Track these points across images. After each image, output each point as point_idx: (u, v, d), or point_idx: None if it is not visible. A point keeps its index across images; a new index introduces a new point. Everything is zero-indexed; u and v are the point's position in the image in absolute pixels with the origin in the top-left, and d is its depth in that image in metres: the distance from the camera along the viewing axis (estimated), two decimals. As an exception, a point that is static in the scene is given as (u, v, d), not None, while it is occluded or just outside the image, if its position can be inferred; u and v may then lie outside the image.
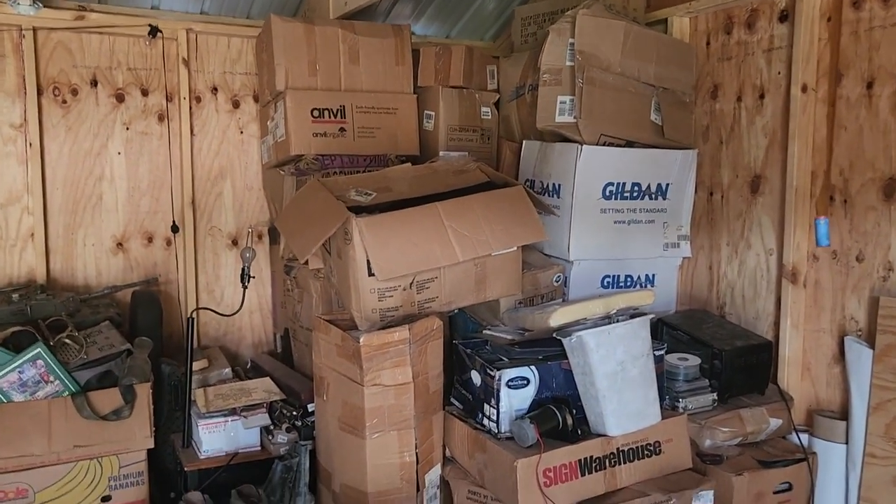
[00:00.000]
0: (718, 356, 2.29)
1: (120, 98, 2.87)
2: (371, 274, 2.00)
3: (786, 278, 2.39)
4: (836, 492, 2.21)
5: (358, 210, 2.03)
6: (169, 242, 2.98)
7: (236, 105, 3.05)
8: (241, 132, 3.07)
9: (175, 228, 2.92)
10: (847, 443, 2.21)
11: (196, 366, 2.54)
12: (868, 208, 2.19)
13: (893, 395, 2.05)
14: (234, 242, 3.10)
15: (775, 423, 2.28)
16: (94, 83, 2.82)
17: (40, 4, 2.61)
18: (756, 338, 2.43)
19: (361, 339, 1.91)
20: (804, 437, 2.29)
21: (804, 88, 2.32)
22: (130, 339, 2.40)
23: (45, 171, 2.75)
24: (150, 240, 2.95)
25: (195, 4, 2.92)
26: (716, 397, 2.27)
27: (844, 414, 2.25)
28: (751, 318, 2.55)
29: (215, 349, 2.94)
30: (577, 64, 2.42)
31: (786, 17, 2.41)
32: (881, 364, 2.08)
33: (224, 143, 3.05)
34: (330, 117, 2.58)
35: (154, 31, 2.83)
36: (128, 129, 2.88)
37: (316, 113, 2.56)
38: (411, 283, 2.07)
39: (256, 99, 3.06)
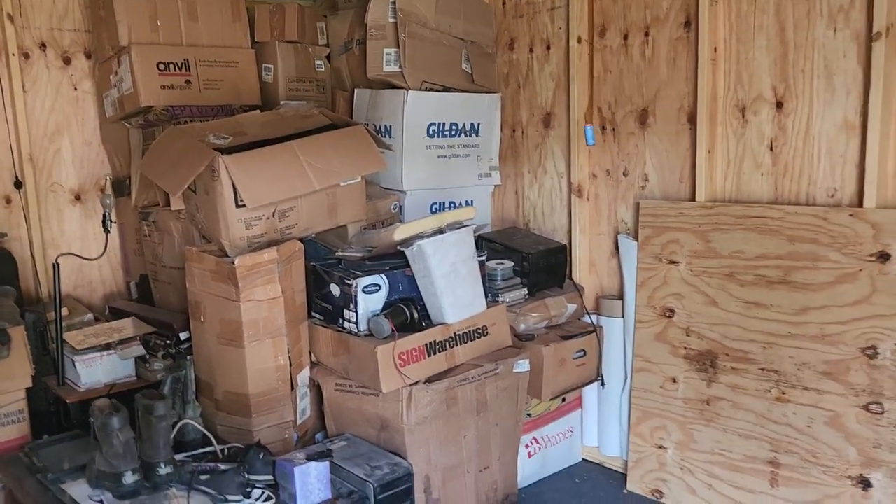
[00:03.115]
0: (527, 259, 2.84)
1: (-58, 55, 2.83)
2: (238, 205, 2.30)
3: (574, 194, 2.99)
4: (617, 353, 2.88)
5: (219, 151, 2.30)
6: (8, 200, 3.00)
7: (67, 62, 3.09)
8: (76, 88, 3.12)
9: (18, 184, 2.95)
10: (623, 316, 2.87)
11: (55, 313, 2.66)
12: (629, 134, 2.83)
13: (652, 273, 2.71)
14: (78, 198, 3.17)
15: (572, 307, 2.89)
16: (-87, 40, 2.76)
17: None
18: (554, 243, 3.02)
19: (237, 261, 2.20)
20: (594, 317, 2.93)
21: (579, 40, 2.89)
22: (-12, 292, 2.48)
23: None
24: (-11, 198, 2.96)
25: (12, -42, 2.92)
26: (526, 292, 2.82)
27: (621, 295, 2.90)
28: (549, 229, 3.15)
29: (71, 300, 3.04)
30: (398, 20, 2.81)
31: (563, -19, 2.97)
32: (643, 251, 2.73)
33: (58, 100, 3.08)
34: (175, 70, 2.77)
35: (-27, -14, 2.81)
36: (-47, 86, 2.86)
37: (162, 66, 2.74)
38: (273, 213, 2.39)
39: (89, 55, 3.12)
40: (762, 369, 2.42)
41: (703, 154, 2.54)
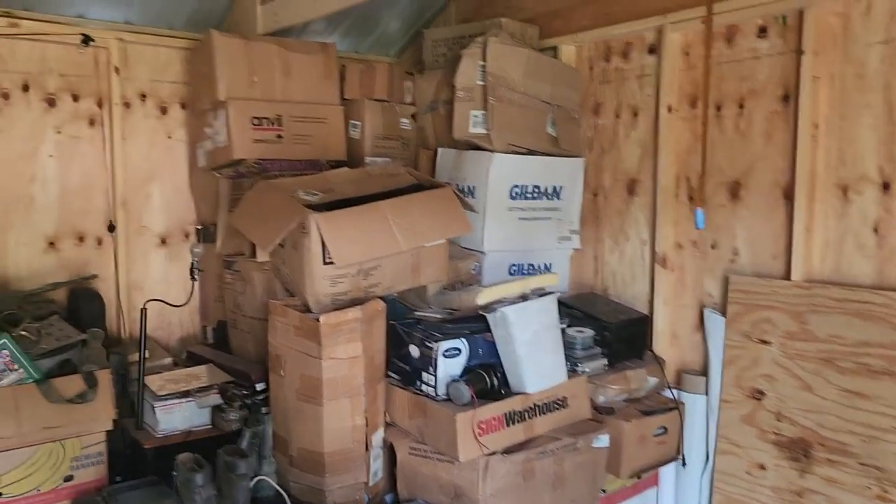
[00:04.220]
0: (607, 328, 2.77)
1: (51, 103, 2.97)
2: (325, 262, 2.31)
3: (657, 264, 2.92)
4: (699, 432, 2.76)
5: (310, 208, 2.33)
6: (100, 242, 3.10)
7: (164, 111, 3.22)
8: (170, 137, 3.24)
9: (112, 227, 3.05)
10: (707, 394, 2.76)
11: (138, 356, 2.71)
12: (719, 206, 2.76)
13: (740, 352, 2.61)
14: (163, 241, 3.26)
15: (652, 381, 2.79)
16: (26, 88, 2.91)
17: (-28, 11, 2.70)
18: (635, 313, 2.94)
19: (321, 319, 2.21)
20: (675, 392, 2.82)
21: (669, 109, 2.86)
22: (74, 333, 2.54)
23: (-24, 173, 2.83)
24: (81, 239, 3.06)
25: (120, 14, 3.06)
26: (606, 362, 2.75)
27: (705, 371, 2.80)
28: (630, 297, 3.08)
29: (150, 341, 3.08)
30: (488, 84, 2.84)
31: (654, 50, 2.95)
32: (731, 328, 2.63)
33: (153, 148, 3.21)
34: (268, 125, 2.85)
35: (87, 40, 2.96)
36: (59, 132, 2.99)
37: (256, 121, 2.82)
38: (358, 271, 2.40)
39: (184, 106, 3.25)
40: (862, 464, 2.27)
41: (800, 232, 2.45)
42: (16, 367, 2.28)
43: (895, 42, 2.27)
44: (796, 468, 2.43)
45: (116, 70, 3.05)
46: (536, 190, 3.03)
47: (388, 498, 2.54)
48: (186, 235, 3.31)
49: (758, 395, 2.54)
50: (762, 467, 2.52)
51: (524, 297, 2.44)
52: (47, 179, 2.98)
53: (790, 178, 2.51)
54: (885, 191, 2.30)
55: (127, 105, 3.13)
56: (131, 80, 3.13)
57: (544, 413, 2.42)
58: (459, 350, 2.37)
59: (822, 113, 2.44)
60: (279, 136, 2.87)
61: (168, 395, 2.53)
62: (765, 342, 2.52)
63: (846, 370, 2.31)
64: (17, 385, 2.27)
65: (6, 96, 2.87)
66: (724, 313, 2.67)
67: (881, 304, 2.24)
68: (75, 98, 3.01)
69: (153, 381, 2.59)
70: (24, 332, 2.40)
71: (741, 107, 2.67)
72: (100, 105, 3.06)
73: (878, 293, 2.26)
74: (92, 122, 3.05)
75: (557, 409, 2.46)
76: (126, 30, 3.09)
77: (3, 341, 2.24)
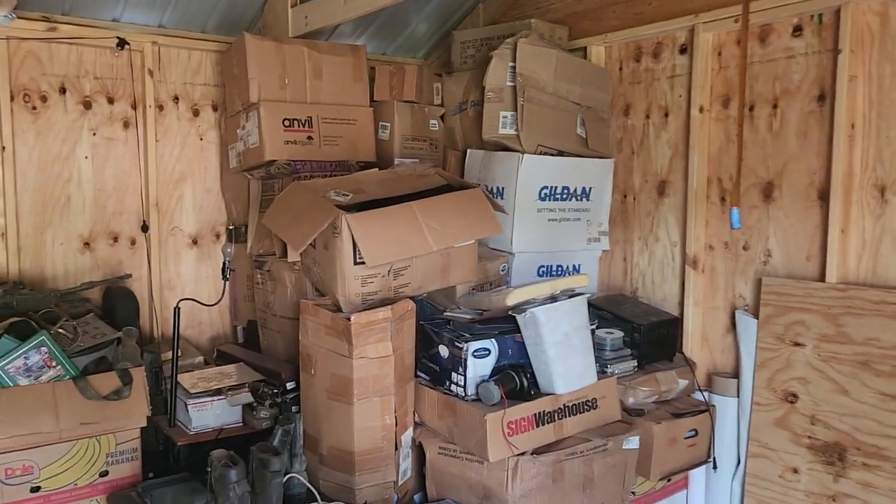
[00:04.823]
0: (637, 330, 2.76)
1: (87, 105, 3.02)
2: (356, 263, 2.33)
3: (688, 265, 2.90)
4: (731, 435, 2.73)
5: (341, 209, 2.34)
6: (133, 242, 3.15)
7: (196, 113, 3.27)
8: (201, 139, 3.29)
9: (145, 228, 3.10)
10: (738, 396, 2.72)
11: (170, 355, 2.75)
12: (751, 207, 2.73)
13: (773, 354, 2.58)
14: (195, 242, 3.31)
15: (683, 383, 2.77)
16: (63, 91, 2.97)
17: (14, 16, 2.75)
18: (665, 315, 2.92)
19: (352, 318, 2.22)
20: (705, 394, 2.80)
21: (701, 109, 2.84)
22: (109, 331, 2.59)
23: (16, 174, 2.88)
24: (115, 239, 3.11)
25: (154, 18, 3.11)
26: (636, 364, 2.73)
27: (736, 373, 2.77)
28: (659, 299, 3.05)
29: (182, 340, 3.13)
30: (517, 85, 2.83)
31: (685, 50, 2.93)
32: (764, 330, 2.60)
33: (185, 149, 3.25)
34: (299, 127, 2.87)
35: (122, 44, 3.01)
36: (94, 134, 3.04)
37: (287, 123, 2.84)
38: (389, 271, 2.41)
39: (215, 108, 3.29)
40: (899, 469, 2.24)
41: (835, 233, 2.42)
42: (54, 363, 2.32)
43: (934, 40, 2.24)
44: (831, 472, 2.39)
45: (150, 73, 3.10)
46: (566, 191, 3.02)
47: (417, 497, 2.55)
48: (217, 236, 3.35)
49: (791, 398, 2.51)
50: (795, 471, 2.49)
51: (554, 298, 2.44)
52: (83, 180, 3.03)
53: (825, 178, 2.47)
54: (923, 191, 2.27)
55: (160, 107, 3.18)
56: (164, 82, 3.18)
57: (574, 414, 2.41)
58: (489, 350, 2.37)
59: (858, 112, 2.40)
60: (310, 138, 2.89)
61: (200, 392, 2.57)
62: (798, 345, 2.49)
63: (883, 373, 2.28)
64: (56, 381, 2.32)
65: (44, 99, 2.93)
66: (756, 315, 2.64)
67: (920, 306, 2.21)
68: (110, 101, 3.07)
69: (186, 379, 2.63)
70: (61, 330, 2.44)
71: (775, 107, 2.64)
72: (134, 107, 3.11)
73: (916, 295, 2.23)
74: (126, 125, 3.10)
75: (587, 410, 2.45)
76: (160, 33, 3.13)
77: (41, 339, 2.29)
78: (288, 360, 2.77)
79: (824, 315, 2.42)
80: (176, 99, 3.22)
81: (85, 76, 3.01)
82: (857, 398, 2.33)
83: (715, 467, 2.75)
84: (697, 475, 2.83)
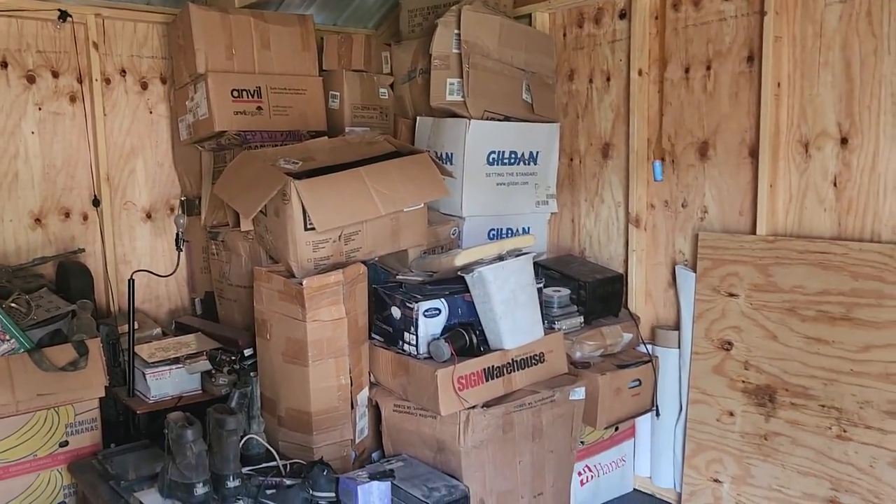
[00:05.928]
0: (583, 287, 2.87)
1: (31, 79, 2.99)
2: (307, 228, 2.38)
3: (631, 224, 3.01)
4: (672, 383, 2.87)
5: (290, 176, 2.39)
6: (85, 217, 3.15)
7: (144, 87, 3.25)
8: (151, 112, 3.28)
9: (97, 202, 3.10)
10: (679, 347, 2.86)
11: (127, 327, 2.78)
12: (689, 166, 2.84)
13: (710, 305, 2.71)
14: (149, 216, 3.31)
15: (627, 337, 2.90)
16: (5, 65, 2.93)
17: (-50, -12, 2.71)
18: (610, 272, 3.04)
19: (304, 282, 2.28)
20: (649, 347, 2.93)
21: (640, 72, 2.93)
22: (64, 305, 2.61)
23: (-41, 150, 2.86)
24: (67, 215, 3.11)
25: (97, -10, 3.09)
26: (582, 320, 2.84)
27: (677, 326, 2.90)
28: (606, 258, 3.17)
29: (140, 314, 3.16)
30: (462, 51, 2.89)
31: (624, 15, 3.01)
32: (701, 283, 2.73)
33: (135, 123, 3.24)
34: (248, 97, 2.89)
35: (64, 16, 2.98)
36: (40, 109, 3.02)
37: (235, 93, 2.86)
38: (340, 236, 2.47)
39: (164, 81, 3.28)
40: (823, 406, 2.39)
41: (764, 188, 2.54)
42: (7, 337, 2.34)
43: (853, 1, 2.35)
44: (762, 413, 2.55)
45: (95, 45, 3.08)
46: (513, 155, 3.10)
47: (375, 454, 2.64)
48: (171, 209, 3.36)
49: (727, 346, 2.65)
50: (731, 414, 2.64)
51: (501, 258, 2.52)
52: (30, 156, 3.01)
53: (755, 136, 2.60)
54: (843, 146, 2.40)
55: (107, 81, 3.16)
56: (111, 55, 3.15)
57: (522, 368, 2.52)
58: (439, 310, 2.45)
59: (784, 72, 2.52)
60: (259, 108, 2.92)
61: (158, 362, 2.61)
62: (732, 295, 2.63)
63: (808, 318, 2.42)
64: (10, 355, 2.34)
65: (-15, 74, 2.90)
66: (694, 269, 2.77)
67: (840, 253, 2.35)
68: (55, 74, 3.04)
69: (143, 350, 2.67)
70: (14, 305, 2.46)
71: (708, 68, 2.74)
72: (80, 81, 3.09)
73: (837, 243, 2.37)
74: (73, 99, 3.08)
75: (535, 364, 2.56)
76: (103, 5, 3.10)
77: (-6, 313, 2.31)
78: (245, 328, 2.82)
79: (755, 266, 2.55)
80: (123, 72, 3.20)
81: (27, 49, 2.98)
82: (785, 342, 2.48)
83: (658, 414, 2.89)
84: (643, 423, 2.98)
